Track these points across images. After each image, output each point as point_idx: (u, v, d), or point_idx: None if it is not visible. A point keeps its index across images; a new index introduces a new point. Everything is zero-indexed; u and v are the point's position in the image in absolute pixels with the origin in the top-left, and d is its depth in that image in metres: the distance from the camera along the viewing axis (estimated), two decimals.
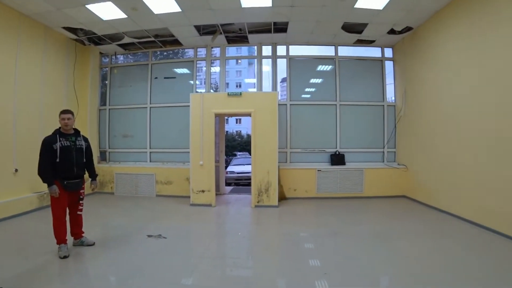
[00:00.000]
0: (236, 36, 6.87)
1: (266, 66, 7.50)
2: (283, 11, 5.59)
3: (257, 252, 3.69)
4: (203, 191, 6.12)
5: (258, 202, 6.06)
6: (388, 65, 7.41)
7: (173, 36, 6.79)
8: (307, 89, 7.63)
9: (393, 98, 7.43)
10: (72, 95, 7.00)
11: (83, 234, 3.82)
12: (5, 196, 5.09)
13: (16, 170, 5.38)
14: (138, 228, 4.54)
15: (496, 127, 4.16)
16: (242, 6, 5.35)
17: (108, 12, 5.43)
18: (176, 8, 5.40)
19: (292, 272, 3.10)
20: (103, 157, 7.86)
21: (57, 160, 3.41)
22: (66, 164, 3.46)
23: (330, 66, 7.40)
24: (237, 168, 10.92)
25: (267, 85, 7.55)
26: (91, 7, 5.21)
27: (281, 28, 6.42)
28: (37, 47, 5.98)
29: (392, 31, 6.42)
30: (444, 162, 5.38)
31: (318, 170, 6.81)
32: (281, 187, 6.68)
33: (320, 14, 5.63)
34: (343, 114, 7.28)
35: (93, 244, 3.78)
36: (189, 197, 6.28)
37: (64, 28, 6.26)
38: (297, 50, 7.41)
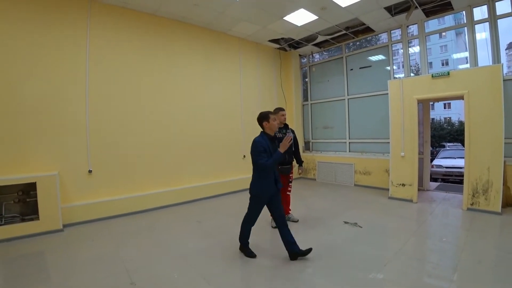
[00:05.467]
0: (436, 5, 5.64)
1: (481, 32, 5.63)
2: None
3: (465, 265, 2.93)
4: (403, 184, 5.61)
5: (471, 204, 4.83)
6: None
7: (363, 24, 6.57)
8: None
9: None
10: (280, 94, 8.51)
11: (290, 211, 4.58)
12: (236, 175, 7.14)
13: (244, 156, 7.31)
14: (335, 214, 4.87)
15: None
16: None
17: (301, 18, 6.10)
18: None
19: None
20: (307, 147, 8.92)
21: None
22: None
23: None
24: (446, 161, 9.55)
25: (484, 57, 5.67)
26: (287, 18, 6.09)
27: None
28: (253, 59, 7.77)
29: None
30: None
31: None
32: (508, 190, 4.98)
33: None
34: None
35: (297, 221, 4.46)
36: (387, 189, 6.01)
37: (270, 40, 7.69)
38: None
